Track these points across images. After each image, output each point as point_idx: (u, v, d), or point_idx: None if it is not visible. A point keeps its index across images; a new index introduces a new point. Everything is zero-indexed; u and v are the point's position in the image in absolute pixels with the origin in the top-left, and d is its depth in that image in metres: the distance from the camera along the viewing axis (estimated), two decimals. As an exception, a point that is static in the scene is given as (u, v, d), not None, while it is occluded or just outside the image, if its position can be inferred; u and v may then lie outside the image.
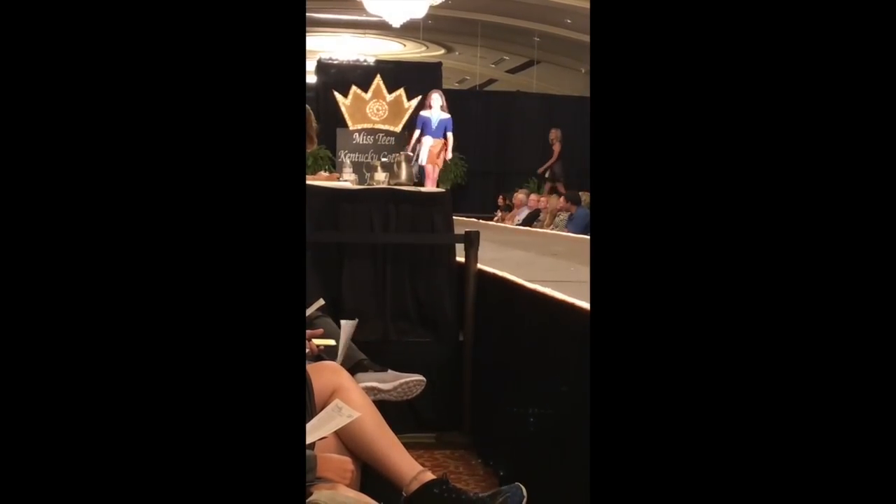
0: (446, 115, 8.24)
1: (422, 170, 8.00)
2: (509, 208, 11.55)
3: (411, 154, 7.01)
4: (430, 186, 7.58)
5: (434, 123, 8.21)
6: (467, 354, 3.80)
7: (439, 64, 14.83)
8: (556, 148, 12.61)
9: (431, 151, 8.11)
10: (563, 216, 9.24)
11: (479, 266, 3.77)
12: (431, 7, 11.24)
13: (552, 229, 8.93)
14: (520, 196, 11.26)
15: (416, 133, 8.28)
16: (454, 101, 14.49)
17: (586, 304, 2.58)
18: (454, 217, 4.20)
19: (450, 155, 8.46)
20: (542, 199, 10.58)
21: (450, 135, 8.32)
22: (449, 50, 17.73)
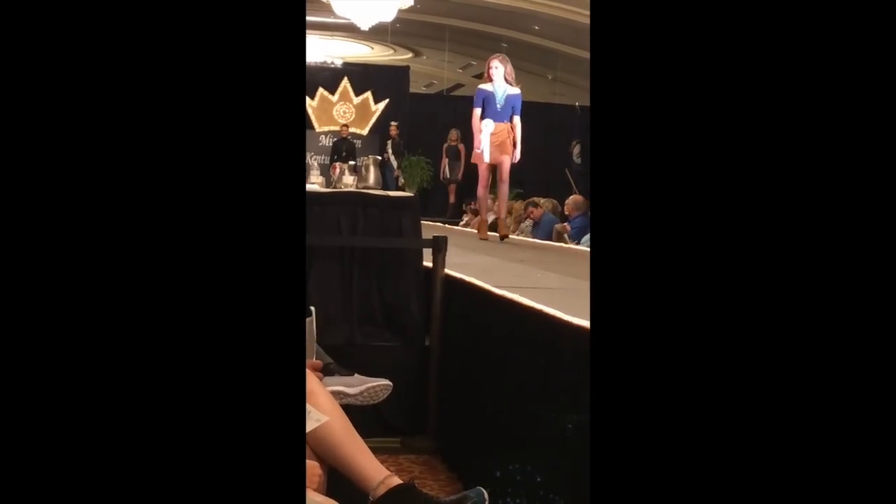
0: (515, 90, 5.81)
1: (470, 168, 6.07)
2: (475, 213, 11.58)
3: (379, 157, 6.36)
4: (482, 191, 6.05)
5: (499, 100, 5.72)
6: (434, 359, 3.80)
7: (407, 68, 14.87)
8: (462, 149, 12.71)
9: (493, 141, 5.69)
10: (528, 223, 9.28)
11: (446, 271, 3.78)
12: (400, 10, 11.24)
13: (518, 235, 8.97)
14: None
15: (476, 112, 5.76)
16: (420, 104, 14.63)
17: (552, 311, 2.60)
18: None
19: (518, 156, 5.79)
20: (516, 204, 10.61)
21: (517, 119, 5.78)
22: (417, 54, 17.74)
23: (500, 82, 5.73)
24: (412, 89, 15.04)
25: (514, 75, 5.83)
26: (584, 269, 4.40)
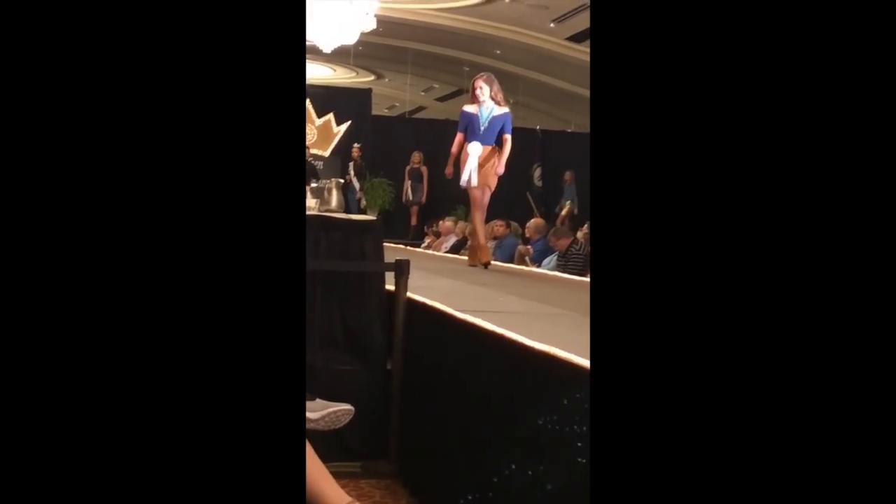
0: (502, 110, 5.64)
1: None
2: (437, 235, 11.59)
3: (342, 180, 6.21)
4: (478, 218, 5.82)
5: (483, 122, 5.57)
6: (395, 383, 3.79)
7: (369, 90, 14.89)
8: (424, 171, 12.81)
9: (480, 165, 5.55)
10: (491, 244, 9.31)
11: (409, 294, 3.78)
12: (362, 33, 11.26)
13: (479, 257, 8.97)
14: (447, 223, 11.30)
15: (458, 136, 5.70)
16: (383, 127, 14.65)
17: (514, 335, 2.60)
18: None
19: (501, 169, 5.65)
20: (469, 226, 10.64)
21: (507, 137, 5.65)
22: (379, 76, 17.79)
23: (488, 103, 5.58)
24: (374, 111, 15.06)
25: (502, 95, 5.67)
26: (546, 292, 4.43)
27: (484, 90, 5.56)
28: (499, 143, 5.65)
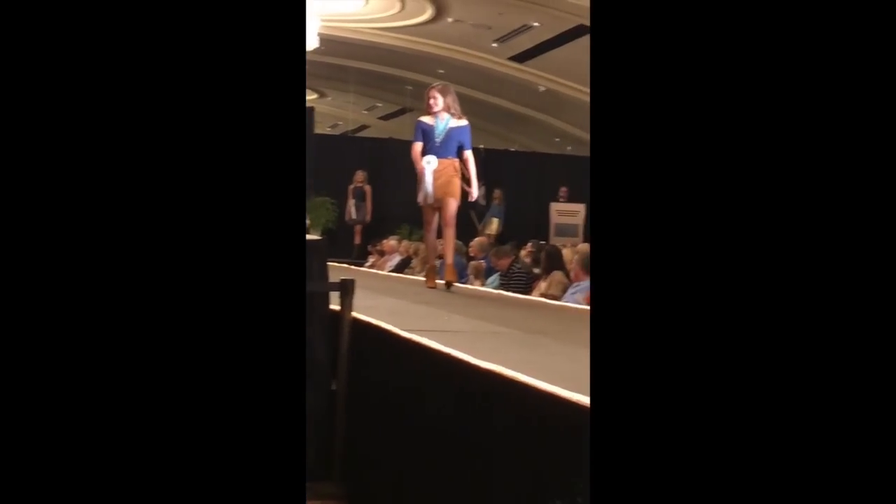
0: (459, 122, 5.36)
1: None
2: (381, 254, 11.58)
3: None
4: (448, 234, 5.43)
5: (438, 134, 5.30)
6: (340, 403, 3.77)
7: (312, 108, 14.82)
8: (368, 190, 12.88)
9: (436, 178, 5.24)
10: (437, 263, 9.31)
11: (354, 314, 3.77)
12: (305, 52, 11.25)
13: (424, 277, 8.99)
14: (391, 242, 11.30)
15: (416, 147, 5.37)
16: (326, 145, 14.60)
17: (460, 354, 2.61)
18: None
19: (475, 193, 5.56)
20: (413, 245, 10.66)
21: (468, 154, 5.39)
22: (322, 95, 17.75)
23: (443, 114, 5.29)
24: (317, 130, 15.00)
25: (458, 106, 5.37)
26: (489, 311, 4.44)
27: (438, 100, 5.30)
28: (459, 157, 5.39)
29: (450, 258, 5.69)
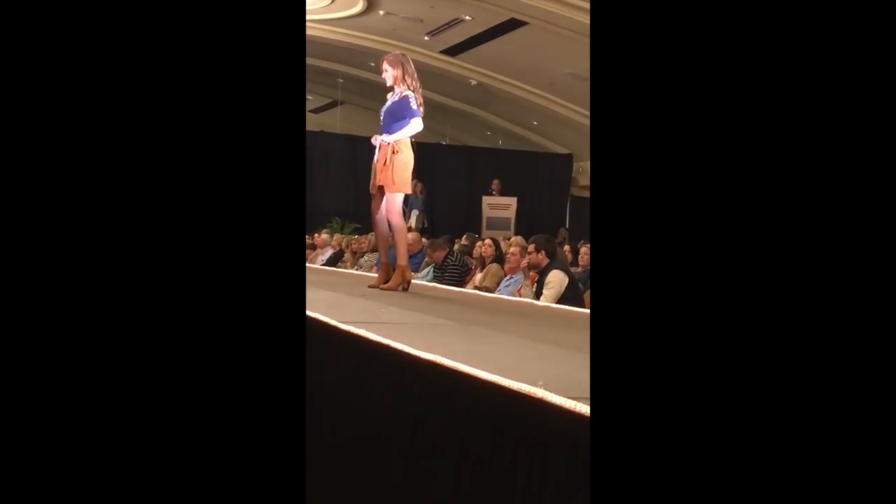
0: (399, 95, 4.52)
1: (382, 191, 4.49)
2: (313, 248, 11.51)
3: None
4: (397, 226, 4.63)
5: (382, 112, 4.62)
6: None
7: (242, 101, 14.65)
8: None
9: (377, 162, 4.56)
10: (370, 257, 9.31)
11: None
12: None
13: (356, 270, 8.97)
14: (323, 236, 11.24)
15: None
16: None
17: (399, 345, 2.62)
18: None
19: (415, 192, 4.73)
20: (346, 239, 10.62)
21: (399, 132, 4.50)
22: (252, 87, 17.53)
23: (395, 90, 4.54)
24: (247, 123, 14.83)
25: (406, 77, 4.48)
26: (425, 303, 4.45)
27: (388, 73, 4.52)
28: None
29: (404, 258, 4.99)
